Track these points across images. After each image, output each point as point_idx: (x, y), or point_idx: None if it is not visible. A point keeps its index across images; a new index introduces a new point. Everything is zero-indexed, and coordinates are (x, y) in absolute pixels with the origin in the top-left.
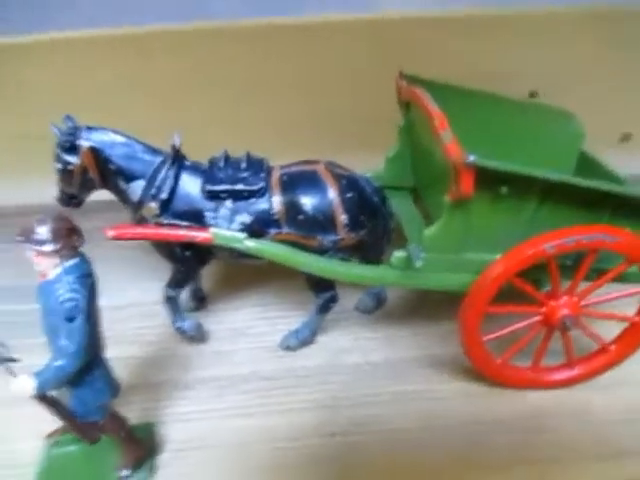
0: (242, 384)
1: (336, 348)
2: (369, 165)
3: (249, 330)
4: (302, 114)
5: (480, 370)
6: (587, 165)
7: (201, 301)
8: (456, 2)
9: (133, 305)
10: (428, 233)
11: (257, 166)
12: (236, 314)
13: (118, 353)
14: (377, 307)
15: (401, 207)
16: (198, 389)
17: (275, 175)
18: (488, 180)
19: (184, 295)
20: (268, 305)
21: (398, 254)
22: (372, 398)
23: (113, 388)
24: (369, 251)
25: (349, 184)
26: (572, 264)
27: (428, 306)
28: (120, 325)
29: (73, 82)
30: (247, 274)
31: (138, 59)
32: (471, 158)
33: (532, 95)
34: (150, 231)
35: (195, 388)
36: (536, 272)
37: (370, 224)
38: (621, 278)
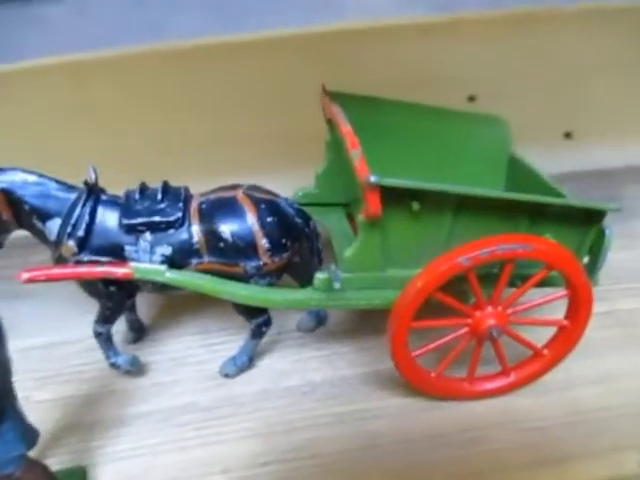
0: (179, 416)
1: (276, 371)
2: (303, 182)
3: (189, 359)
4: (234, 133)
5: (414, 385)
6: (517, 169)
7: (140, 331)
8: (390, 12)
9: (70, 342)
10: (347, 253)
11: (174, 196)
12: (176, 343)
13: (53, 395)
14: (318, 325)
15: (333, 224)
16: (134, 425)
17: (194, 204)
18: (398, 197)
19: (122, 327)
20: (209, 332)
21: (320, 276)
22: (310, 421)
23: (28, 438)
24: (300, 273)
25: (269, 208)
26: (499, 272)
27: (371, 321)
28: (56, 364)
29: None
30: (187, 301)
31: (73, 87)
32: (372, 178)
33: (471, 99)
34: (67, 271)
35: (131, 424)
36: (464, 283)
37: (294, 246)
38: (547, 283)
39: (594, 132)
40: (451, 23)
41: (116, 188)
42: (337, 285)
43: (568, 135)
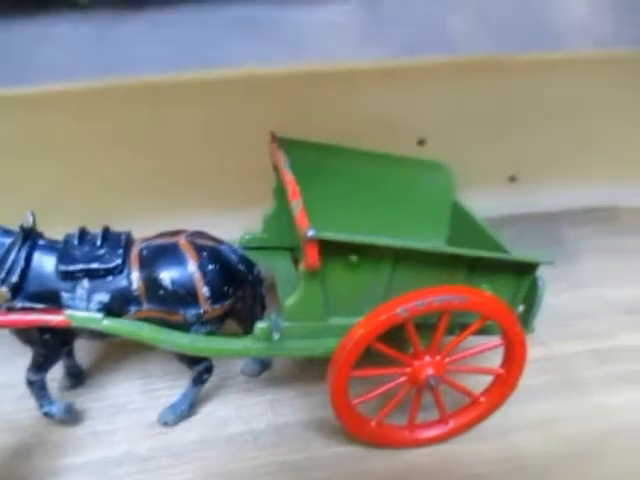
0: (115, 468)
1: (217, 418)
2: (255, 220)
3: (129, 406)
4: (186, 171)
5: (354, 434)
6: (460, 216)
7: (78, 377)
8: (345, 54)
9: (5, 387)
10: (288, 303)
11: (115, 242)
12: (116, 389)
13: None
14: (263, 370)
15: (279, 269)
16: (68, 477)
17: (135, 250)
18: (337, 250)
19: (59, 373)
20: (150, 377)
21: (260, 325)
22: (250, 472)
23: None
24: (243, 320)
25: (211, 255)
26: (437, 321)
27: (317, 366)
28: None
29: None
30: (129, 345)
31: (25, 119)
32: (310, 232)
33: (421, 142)
34: None
35: (65, 476)
36: (403, 331)
37: (236, 294)
38: (485, 331)
39: (537, 176)
40: (401, 68)
41: (63, 227)
42: (276, 336)
43: (512, 179)
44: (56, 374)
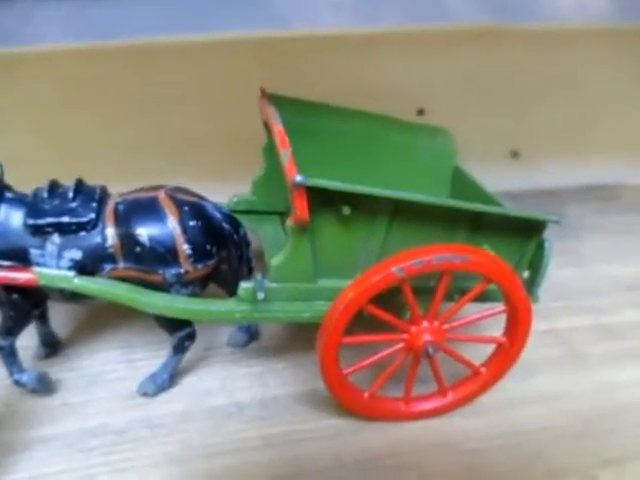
0: (88, 440)
1: (201, 390)
2: (243, 188)
3: (106, 376)
4: (171, 136)
5: (346, 406)
6: (461, 182)
7: (53, 346)
8: (338, 21)
9: None
10: (275, 262)
11: (88, 195)
12: (93, 358)
13: None
14: (250, 340)
15: (268, 233)
16: (37, 450)
17: (110, 204)
18: (328, 201)
19: (34, 341)
20: (131, 346)
21: (245, 285)
22: (234, 445)
23: None
24: (228, 283)
25: (193, 211)
26: (436, 285)
27: (308, 335)
28: None
29: None
30: (108, 312)
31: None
32: (298, 178)
33: (420, 112)
34: None
35: (34, 449)
36: (399, 295)
37: (220, 254)
38: (487, 298)
39: (540, 151)
40: (401, 35)
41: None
42: (260, 295)
43: (515, 154)
44: (30, 342)
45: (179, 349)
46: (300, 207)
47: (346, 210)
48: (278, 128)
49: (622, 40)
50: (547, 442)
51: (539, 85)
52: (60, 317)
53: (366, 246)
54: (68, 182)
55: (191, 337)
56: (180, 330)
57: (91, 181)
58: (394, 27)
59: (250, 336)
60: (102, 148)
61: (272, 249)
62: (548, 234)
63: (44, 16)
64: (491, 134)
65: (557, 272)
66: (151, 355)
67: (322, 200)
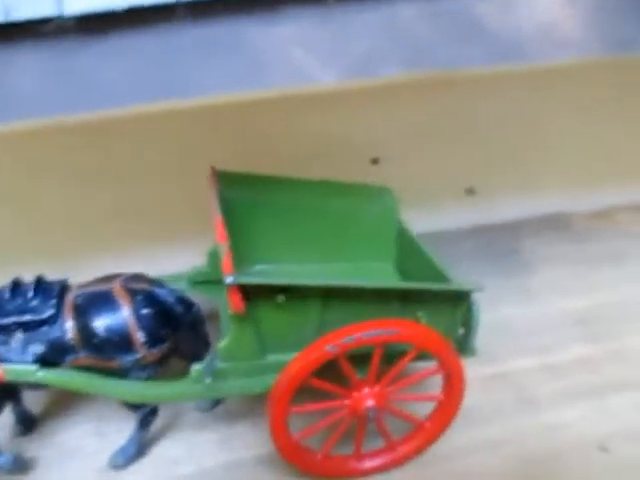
0: None
1: (168, 458)
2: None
3: (80, 451)
4: (132, 205)
5: (300, 469)
6: (404, 240)
7: (28, 424)
8: (282, 81)
9: None
10: (221, 345)
11: (47, 292)
12: (68, 433)
13: None
14: (215, 405)
15: (223, 303)
16: None
17: (69, 299)
18: (263, 291)
19: (9, 420)
20: (103, 419)
21: (196, 367)
22: None
23: None
24: (187, 357)
25: (145, 299)
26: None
27: None
28: None
29: None
30: None
31: None
32: (229, 279)
33: (374, 161)
34: None
35: None
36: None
37: (175, 335)
38: (424, 357)
39: (493, 187)
40: (352, 88)
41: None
42: (207, 380)
43: (470, 191)
44: (6, 421)
45: (144, 424)
46: (235, 302)
47: (281, 298)
48: (218, 219)
49: (570, 74)
50: None
51: (490, 124)
52: (34, 394)
53: (305, 325)
54: (37, 256)
55: (154, 413)
56: (143, 407)
57: (60, 253)
58: (342, 81)
59: (215, 401)
60: (68, 221)
61: (227, 321)
62: (500, 271)
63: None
64: (445, 174)
65: (506, 312)
66: (122, 427)
67: (257, 291)
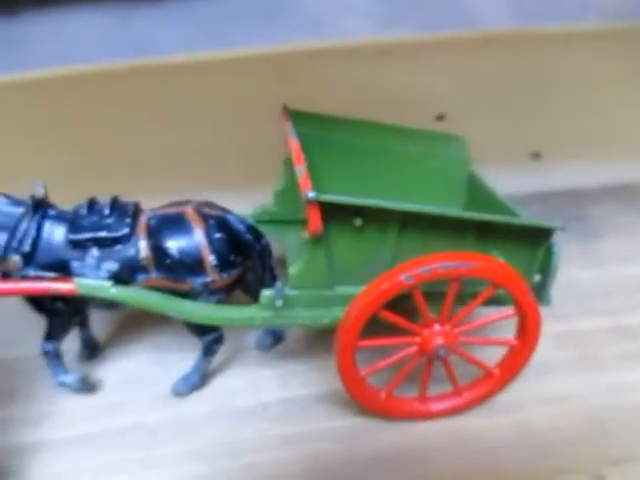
0: (124, 437)
1: (229, 390)
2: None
3: (142, 377)
4: (197, 148)
5: (363, 405)
6: (476, 189)
7: (93, 349)
8: (354, 33)
9: (22, 359)
10: (292, 271)
11: (122, 211)
12: (130, 361)
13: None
14: (276, 343)
15: (290, 242)
16: (77, 447)
17: (142, 219)
18: (341, 214)
19: (75, 344)
20: (165, 349)
21: (265, 293)
22: (256, 443)
23: None
24: (253, 291)
25: (217, 224)
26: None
27: (330, 338)
28: (5, 380)
29: None
30: (144, 317)
31: (27, 103)
32: (310, 194)
33: (440, 118)
34: (9, 286)
35: (74, 446)
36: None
37: (244, 263)
38: (499, 301)
39: (559, 153)
40: (416, 43)
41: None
42: (279, 303)
43: (536, 155)
44: (73, 346)
45: (208, 352)
46: (314, 221)
47: (358, 222)
48: (294, 145)
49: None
50: (558, 442)
51: (557, 87)
52: (99, 322)
53: (379, 254)
54: (104, 198)
55: (219, 341)
56: (208, 334)
57: (125, 196)
58: (409, 35)
59: (276, 339)
60: (132, 164)
61: (294, 256)
62: (568, 236)
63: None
64: (511, 137)
65: (575, 274)
66: (183, 357)
67: (335, 213)
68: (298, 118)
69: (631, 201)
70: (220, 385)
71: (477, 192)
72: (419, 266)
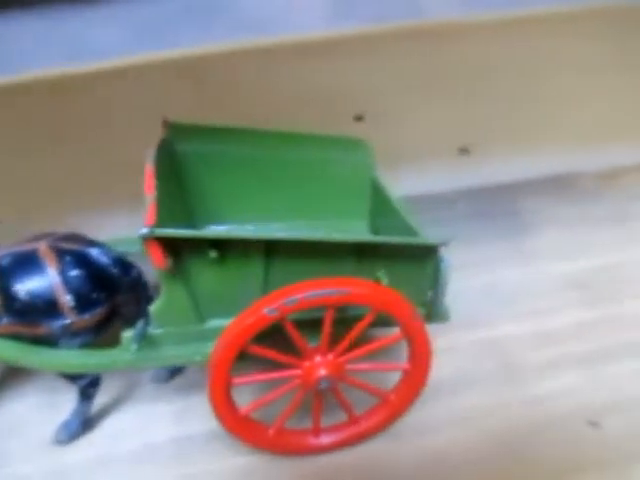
0: None
1: (117, 432)
2: None
3: (26, 424)
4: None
5: (251, 445)
6: (378, 194)
7: None
8: (270, 31)
9: None
10: (154, 308)
11: None
12: (14, 406)
13: None
14: (172, 376)
15: None
16: None
17: None
18: (192, 246)
19: None
20: (53, 391)
21: (127, 334)
22: None
23: None
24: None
25: (75, 260)
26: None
27: None
28: None
29: None
30: None
31: None
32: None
33: (358, 118)
34: None
35: None
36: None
37: (111, 299)
38: (387, 323)
39: (489, 146)
40: (337, 38)
41: None
42: (134, 347)
43: (464, 150)
44: None
45: (84, 397)
46: (155, 256)
47: (213, 254)
48: (148, 169)
49: (575, 25)
50: (469, 466)
51: (486, 78)
52: None
53: (246, 284)
54: None
55: (94, 384)
56: (81, 379)
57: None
58: (327, 32)
59: (173, 371)
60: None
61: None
62: (496, 233)
63: None
64: (438, 132)
65: (500, 274)
66: (71, 398)
67: (185, 246)
68: (182, 132)
69: (565, 193)
70: (109, 426)
71: (379, 199)
72: (284, 297)
